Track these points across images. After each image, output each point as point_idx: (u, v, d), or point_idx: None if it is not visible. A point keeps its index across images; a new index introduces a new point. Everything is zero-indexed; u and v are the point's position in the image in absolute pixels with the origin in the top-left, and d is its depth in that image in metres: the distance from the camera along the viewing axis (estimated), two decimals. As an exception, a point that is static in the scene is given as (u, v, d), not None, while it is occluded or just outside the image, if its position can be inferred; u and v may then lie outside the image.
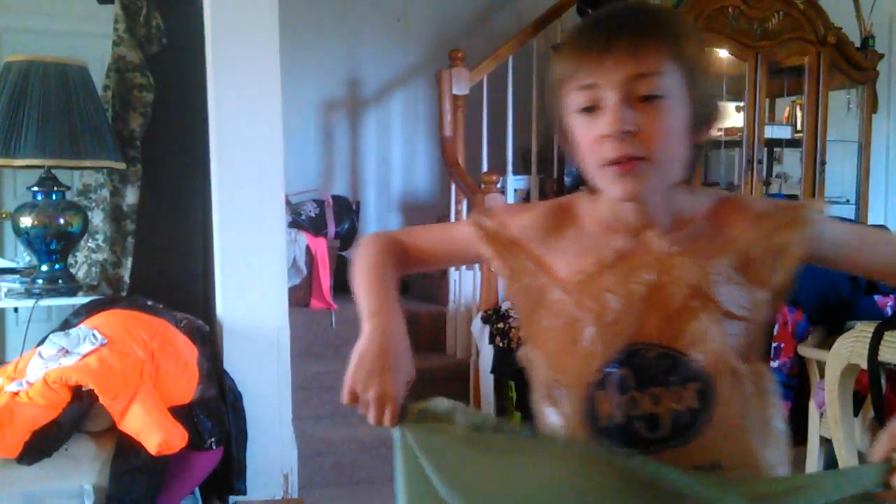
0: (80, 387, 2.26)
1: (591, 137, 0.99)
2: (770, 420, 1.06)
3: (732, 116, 4.18)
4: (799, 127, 4.24)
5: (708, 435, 0.99)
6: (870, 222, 4.19)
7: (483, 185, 3.44)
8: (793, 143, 4.27)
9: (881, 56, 4.28)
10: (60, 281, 2.95)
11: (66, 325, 2.62)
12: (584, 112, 0.99)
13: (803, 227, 1.03)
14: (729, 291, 1.01)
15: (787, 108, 4.39)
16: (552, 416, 1.07)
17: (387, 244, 1.21)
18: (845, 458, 2.46)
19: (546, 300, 1.06)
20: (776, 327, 3.05)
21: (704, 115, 1.03)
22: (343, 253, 4.50)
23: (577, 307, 1.03)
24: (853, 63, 4.17)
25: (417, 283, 4.56)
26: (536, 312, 1.07)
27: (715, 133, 3.97)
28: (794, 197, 4.22)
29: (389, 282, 1.16)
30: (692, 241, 1.03)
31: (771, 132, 4.15)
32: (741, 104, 4.07)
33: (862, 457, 2.49)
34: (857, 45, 4.22)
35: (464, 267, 3.90)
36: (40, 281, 2.93)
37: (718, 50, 3.99)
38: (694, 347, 0.99)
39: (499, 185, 3.46)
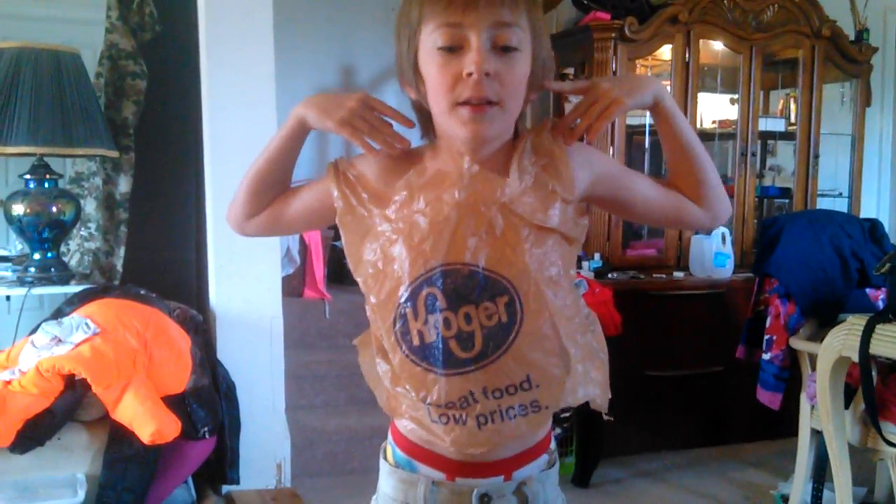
0: (73, 376, 2.26)
1: (449, 76, 1.02)
2: (582, 335, 1.10)
3: (727, 108, 4.19)
4: (793, 120, 4.25)
5: (518, 348, 1.03)
6: (862, 215, 4.21)
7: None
8: (786, 135, 4.28)
9: (875, 50, 4.28)
10: (53, 269, 2.94)
11: (58, 314, 2.61)
12: (445, 50, 1.02)
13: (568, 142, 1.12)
14: (532, 203, 1.05)
15: (781, 101, 4.40)
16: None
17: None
18: (836, 450, 2.47)
19: (371, 231, 1.09)
20: (768, 319, 3.06)
21: (543, 73, 1.10)
22: (337, 243, 4.49)
23: (392, 231, 1.06)
24: (847, 56, 4.18)
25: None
26: (362, 243, 1.09)
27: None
28: (787, 190, 4.23)
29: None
30: (500, 163, 1.08)
31: (765, 125, 4.16)
32: (735, 96, 4.08)
33: (852, 449, 2.51)
34: (852, 38, 4.22)
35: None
36: (32, 269, 2.92)
37: (713, 42, 3.99)
38: (501, 263, 1.03)
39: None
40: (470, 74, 1.01)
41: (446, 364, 1.03)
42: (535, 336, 1.03)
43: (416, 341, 1.04)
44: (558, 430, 3.28)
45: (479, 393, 1.03)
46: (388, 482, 1.16)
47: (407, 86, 1.12)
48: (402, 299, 1.04)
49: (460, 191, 1.05)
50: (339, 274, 4.46)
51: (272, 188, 1.24)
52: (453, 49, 1.02)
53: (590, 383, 1.10)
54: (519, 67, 1.04)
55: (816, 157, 4.18)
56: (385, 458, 1.18)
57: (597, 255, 3.77)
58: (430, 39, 1.03)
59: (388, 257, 1.06)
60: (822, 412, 2.50)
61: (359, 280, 1.11)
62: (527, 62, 1.06)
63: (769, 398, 3.04)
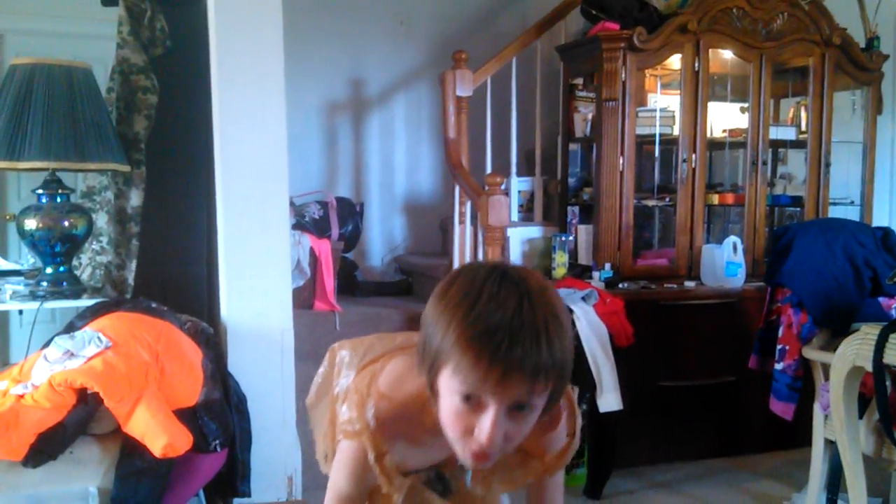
0: (85, 389, 2.27)
1: (462, 425, 1.09)
2: None
3: (737, 117, 4.18)
4: (803, 128, 4.23)
5: None
6: (874, 223, 4.19)
7: (487, 187, 3.44)
8: (797, 144, 4.26)
9: (886, 57, 4.27)
10: (65, 283, 2.96)
11: (70, 328, 2.62)
12: (463, 398, 1.06)
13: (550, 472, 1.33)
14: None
15: (792, 109, 4.38)
16: None
17: None
18: (850, 461, 2.45)
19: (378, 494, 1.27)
20: (781, 329, 3.05)
21: (553, 407, 1.16)
22: (347, 255, 4.50)
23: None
24: (858, 64, 4.17)
25: (421, 285, 4.56)
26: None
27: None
28: (798, 198, 4.21)
29: None
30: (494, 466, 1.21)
31: (775, 133, 4.14)
32: (746, 105, 4.07)
33: (866, 460, 2.48)
34: (862, 46, 4.21)
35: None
36: (45, 283, 2.94)
37: (723, 51, 3.99)
38: None
39: (502, 187, 3.46)
40: (480, 443, 1.07)
41: None
42: None
43: None
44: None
45: None
46: None
47: (419, 369, 1.15)
48: None
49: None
50: (349, 286, 4.47)
51: None
52: (471, 400, 1.06)
53: None
54: (530, 421, 1.10)
55: (828, 165, 4.16)
56: None
57: (607, 266, 3.76)
58: (455, 382, 1.06)
59: None
60: (836, 422, 2.48)
61: None
62: (538, 410, 1.11)
63: (782, 408, 3.02)
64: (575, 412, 1.32)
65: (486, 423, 1.05)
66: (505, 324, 1.01)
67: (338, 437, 1.29)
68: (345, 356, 1.48)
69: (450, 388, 1.07)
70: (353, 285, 4.53)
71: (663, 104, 4.08)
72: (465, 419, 1.07)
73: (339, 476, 1.28)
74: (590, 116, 4.11)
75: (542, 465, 1.31)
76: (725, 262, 3.79)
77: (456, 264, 3.97)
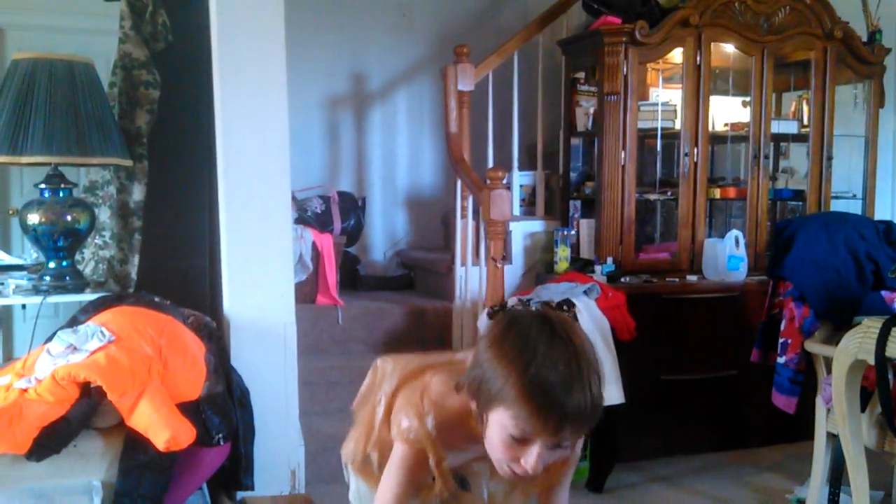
0: (89, 383, 2.27)
1: (509, 454, 1.26)
2: None
3: (739, 111, 4.18)
4: (805, 122, 4.23)
5: None
6: (876, 217, 4.18)
7: (489, 181, 3.44)
8: (799, 137, 4.26)
9: (888, 51, 4.26)
10: (68, 278, 2.96)
11: (73, 322, 2.62)
12: (512, 437, 1.24)
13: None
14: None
15: (794, 103, 4.38)
16: None
17: None
18: (852, 454, 2.46)
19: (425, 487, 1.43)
20: (783, 323, 3.05)
21: None
22: (349, 249, 4.50)
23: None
24: (860, 58, 4.16)
25: (423, 280, 4.56)
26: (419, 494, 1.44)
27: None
28: (800, 192, 4.20)
29: None
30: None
31: (777, 127, 4.14)
32: (747, 99, 4.06)
33: (869, 453, 2.49)
34: (864, 39, 4.20)
35: (469, 262, 3.90)
36: (48, 278, 2.94)
37: (724, 45, 3.98)
38: None
39: (504, 181, 3.46)
40: (524, 469, 1.26)
41: None
42: None
43: None
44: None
45: None
46: None
47: (468, 395, 1.32)
48: None
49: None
50: (351, 280, 4.47)
51: None
52: (521, 439, 1.24)
53: None
54: (568, 452, 1.32)
55: (830, 158, 4.16)
56: None
57: (609, 260, 3.76)
58: (510, 425, 1.23)
59: None
60: (838, 416, 2.48)
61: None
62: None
63: (784, 402, 3.03)
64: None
65: (531, 457, 1.24)
66: (559, 382, 1.19)
67: (395, 442, 1.44)
68: (388, 367, 1.63)
69: (502, 425, 1.24)
70: (356, 280, 4.54)
71: (665, 98, 4.07)
72: (512, 450, 1.25)
73: (394, 477, 1.43)
74: (591, 110, 4.11)
75: (552, 475, 1.44)
76: (727, 256, 3.79)
77: (458, 259, 3.97)
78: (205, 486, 2.68)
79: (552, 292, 3.35)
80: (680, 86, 3.94)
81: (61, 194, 2.95)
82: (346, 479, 1.84)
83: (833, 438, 2.74)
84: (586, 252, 4.00)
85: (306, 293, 3.87)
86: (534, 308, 1.34)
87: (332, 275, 3.93)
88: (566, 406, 1.19)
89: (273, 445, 2.93)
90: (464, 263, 3.94)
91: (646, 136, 4.00)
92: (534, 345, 1.22)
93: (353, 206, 4.43)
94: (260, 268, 2.95)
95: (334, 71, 4.75)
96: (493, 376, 1.24)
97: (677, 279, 3.83)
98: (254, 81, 2.92)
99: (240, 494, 2.81)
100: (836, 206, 4.20)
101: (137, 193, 3.17)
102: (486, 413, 1.27)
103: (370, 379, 1.72)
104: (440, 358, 1.62)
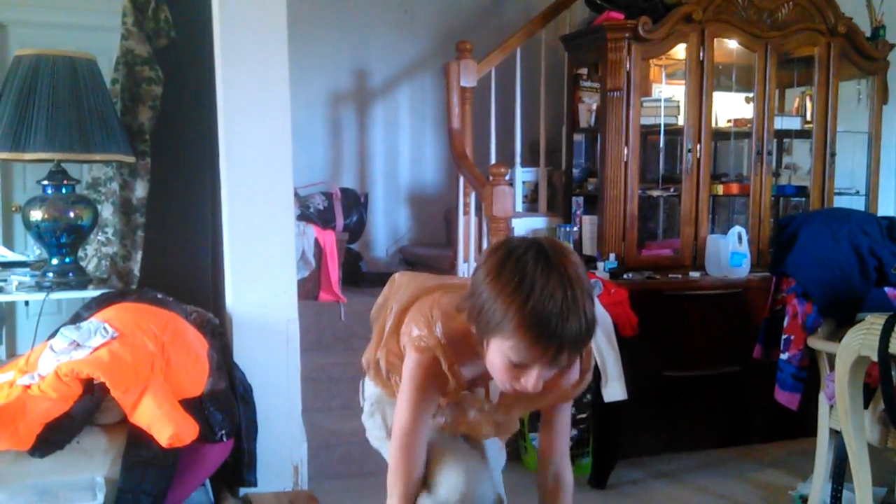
0: (92, 380, 2.27)
1: (510, 376, 1.34)
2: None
3: (742, 107, 4.17)
4: (809, 118, 4.22)
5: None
6: (880, 213, 4.18)
7: (491, 178, 3.43)
8: (802, 133, 4.25)
9: (892, 46, 4.24)
10: (71, 274, 2.96)
11: (76, 319, 2.63)
12: (512, 363, 1.31)
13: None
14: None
15: (797, 99, 4.37)
16: None
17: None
18: (855, 450, 2.45)
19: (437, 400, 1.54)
20: (786, 319, 3.04)
21: None
22: (351, 245, 4.50)
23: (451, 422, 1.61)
24: (863, 53, 4.15)
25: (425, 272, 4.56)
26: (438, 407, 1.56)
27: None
28: (803, 188, 4.20)
29: None
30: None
31: (780, 123, 4.13)
32: (750, 95, 4.05)
33: (872, 449, 2.48)
34: (868, 35, 4.19)
35: (472, 256, 3.90)
36: (51, 274, 2.94)
37: (728, 40, 3.97)
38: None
39: (507, 178, 3.46)
40: (524, 388, 1.33)
41: None
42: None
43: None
44: (575, 432, 3.27)
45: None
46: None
47: (469, 321, 1.37)
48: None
49: (477, 412, 1.59)
50: (353, 276, 4.47)
51: None
52: (521, 364, 1.31)
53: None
54: (565, 372, 1.43)
55: (833, 155, 4.15)
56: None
57: (612, 256, 3.76)
58: (510, 353, 1.30)
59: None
60: (841, 412, 2.47)
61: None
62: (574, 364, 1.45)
63: (787, 398, 3.02)
64: (590, 351, 1.54)
65: (531, 379, 1.31)
66: (556, 313, 1.25)
67: (406, 350, 1.51)
68: (404, 281, 1.72)
69: (502, 352, 1.31)
70: (358, 276, 4.54)
71: (668, 94, 4.06)
72: (512, 372, 1.32)
73: (410, 385, 1.49)
74: (594, 107, 4.10)
75: (558, 394, 1.53)
76: (730, 253, 3.79)
77: (461, 255, 3.97)
78: (208, 482, 2.69)
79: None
80: (683, 82, 3.93)
81: (64, 191, 2.95)
82: (361, 391, 1.88)
83: (836, 435, 2.73)
84: (589, 248, 4.00)
85: (309, 289, 3.87)
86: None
87: (334, 271, 3.93)
88: (564, 334, 1.25)
89: (276, 442, 2.94)
90: (466, 260, 3.94)
91: (649, 132, 3.99)
92: (531, 277, 1.27)
93: (356, 203, 4.43)
94: (262, 264, 2.95)
95: (336, 67, 4.74)
96: (493, 308, 1.29)
97: (680, 276, 3.82)
98: (256, 78, 2.91)
99: (243, 491, 2.82)
100: (840, 202, 4.20)
101: (140, 190, 3.17)
102: (487, 339, 1.33)
103: (387, 290, 1.77)
104: (454, 280, 1.72)
